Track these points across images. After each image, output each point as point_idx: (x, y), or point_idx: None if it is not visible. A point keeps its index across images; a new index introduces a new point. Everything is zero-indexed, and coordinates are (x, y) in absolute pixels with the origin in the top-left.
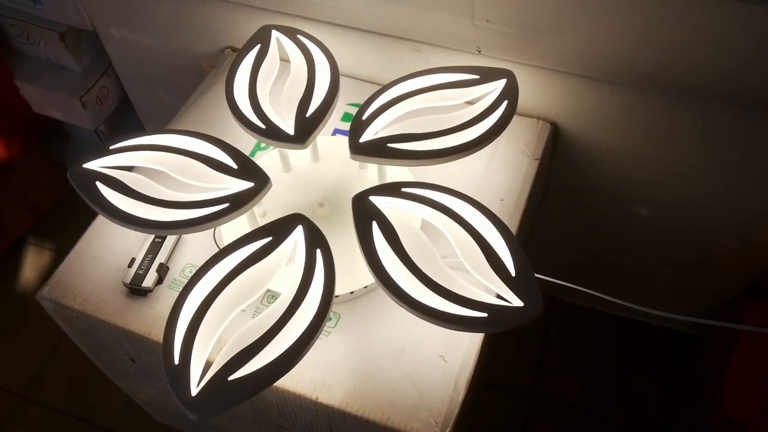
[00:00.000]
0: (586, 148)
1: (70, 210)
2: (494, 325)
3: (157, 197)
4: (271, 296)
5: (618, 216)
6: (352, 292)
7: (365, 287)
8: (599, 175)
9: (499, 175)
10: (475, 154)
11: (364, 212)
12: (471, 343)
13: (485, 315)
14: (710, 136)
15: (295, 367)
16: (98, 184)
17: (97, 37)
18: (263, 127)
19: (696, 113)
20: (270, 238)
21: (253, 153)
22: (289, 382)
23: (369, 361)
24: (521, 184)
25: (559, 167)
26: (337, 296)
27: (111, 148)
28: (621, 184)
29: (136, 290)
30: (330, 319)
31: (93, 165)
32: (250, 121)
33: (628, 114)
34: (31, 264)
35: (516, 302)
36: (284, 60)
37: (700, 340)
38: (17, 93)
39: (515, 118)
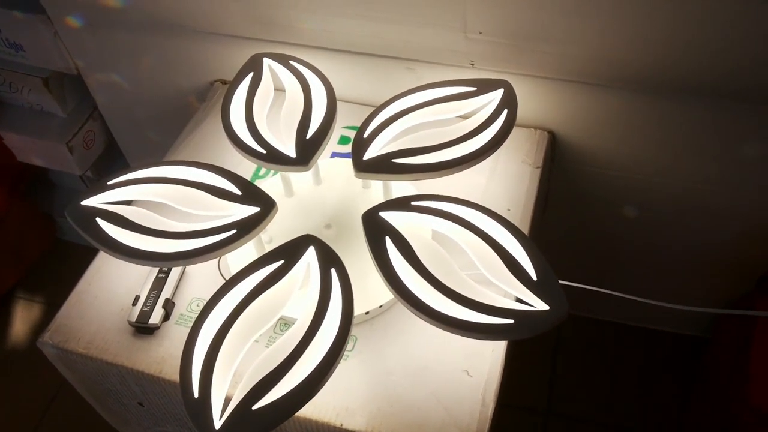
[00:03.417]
0: (584, 155)
1: (59, 261)
2: (521, 330)
3: (161, 229)
4: (284, 324)
5: (621, 221)
6: (367, 313)
7: (380, 306)
8: (599, 181)
9: (503, 186)
10: (477, 168)
11: (375, 228)
12: (494, 354)
13: (511, 321)
14: (710, 135)
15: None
16: (98, 220)
17: (81, 80)
18: (264, 152)
19: (694, 113)
20: (281, 262)
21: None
22: (311, 410)
23: (391, 382)
24: (526, 193)
25: (558, 176)
26: None
27: (108, 183)
28: (621, 189)
29: (142, 328)
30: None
31: (91, 202)
32: (250, 147)
33: (625, 117)
34: (21, 318)
35: (541, 306)
36: (278, 89)
37: (709, 342)
38: (1, 143)
39: (514, 128)
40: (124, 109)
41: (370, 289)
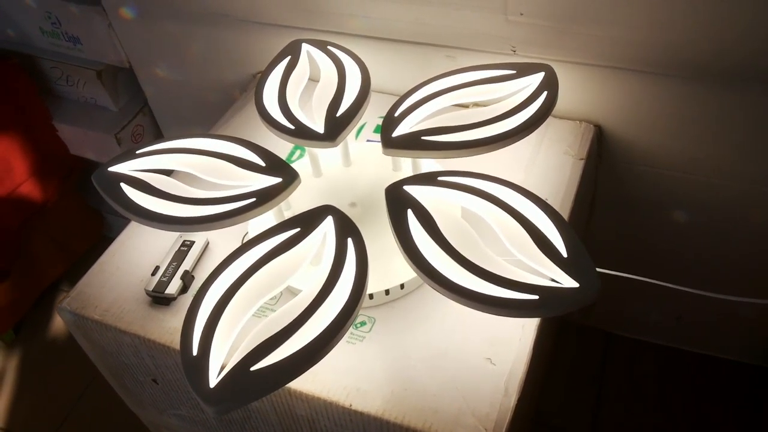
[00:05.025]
0: (634, 151)
1: None
2: (546, 308)
3: (181, 195)
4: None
5: (673, 225)
6: (387, 293)
7: (402, 287)
8: (650, 181)
9: (542, 176)
10: (515, 157)
11: (398, 201)
12: (521, 344)
13: (536, 297)
14: None
15: (327, 373)
16: (123, 185)
17: (133, 75)
18: (292, 127)
19: (757, 104)
20: (298, 229)
21: None
22: (320, 388)
23: (407, 367)
24: (566, 184)
25: (606, 175)
26: (371, 297)
27: (137, 152)
28: (674, 190)
29: (158, 298)
30: (364, 323)
31: (118, 168)
32: (279, 122)
33: (679, 109)
34: None
35: (569, 283)
36: (313, 80)
37: None
38: (55, 135)
39: (556, 120)
40: (171, 104)
41: (391, 269)
